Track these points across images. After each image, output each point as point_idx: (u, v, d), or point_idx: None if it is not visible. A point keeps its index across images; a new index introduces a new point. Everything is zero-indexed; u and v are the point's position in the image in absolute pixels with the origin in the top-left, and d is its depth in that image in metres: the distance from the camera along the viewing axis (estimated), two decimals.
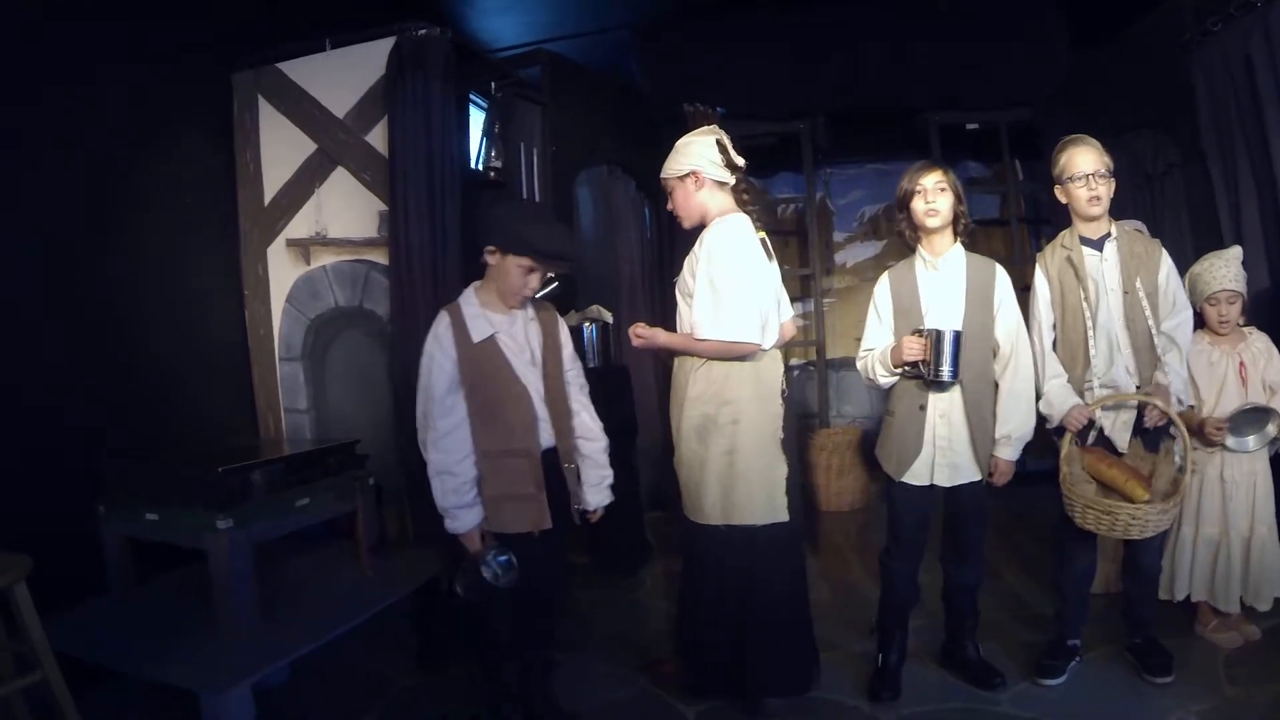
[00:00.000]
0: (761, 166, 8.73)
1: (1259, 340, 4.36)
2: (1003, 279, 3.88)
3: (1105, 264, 3.87)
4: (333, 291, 5.09)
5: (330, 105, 5.05)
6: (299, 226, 5.14)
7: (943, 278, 3.87)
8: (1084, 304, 3.89)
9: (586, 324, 5.93)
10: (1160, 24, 5.82)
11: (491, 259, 3.45)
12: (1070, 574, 4.09)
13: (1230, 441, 4.21)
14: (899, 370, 3.83)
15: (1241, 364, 4.30)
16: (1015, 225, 8.50)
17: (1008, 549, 6.00)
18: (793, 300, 4.90)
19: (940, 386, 3.76)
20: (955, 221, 3.85)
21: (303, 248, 5.12)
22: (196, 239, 5.04)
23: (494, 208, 3.61)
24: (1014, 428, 3.82)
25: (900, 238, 4.05)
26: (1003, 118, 7.90)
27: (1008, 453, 3.83)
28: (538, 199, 6.17)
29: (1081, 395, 3.90)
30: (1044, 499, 4.20)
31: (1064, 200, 3.93)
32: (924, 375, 3.73)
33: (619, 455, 5.91)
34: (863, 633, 4.51)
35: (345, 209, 5.04)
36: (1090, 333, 3.88)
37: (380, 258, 4.98)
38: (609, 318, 6.08)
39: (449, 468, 3.36)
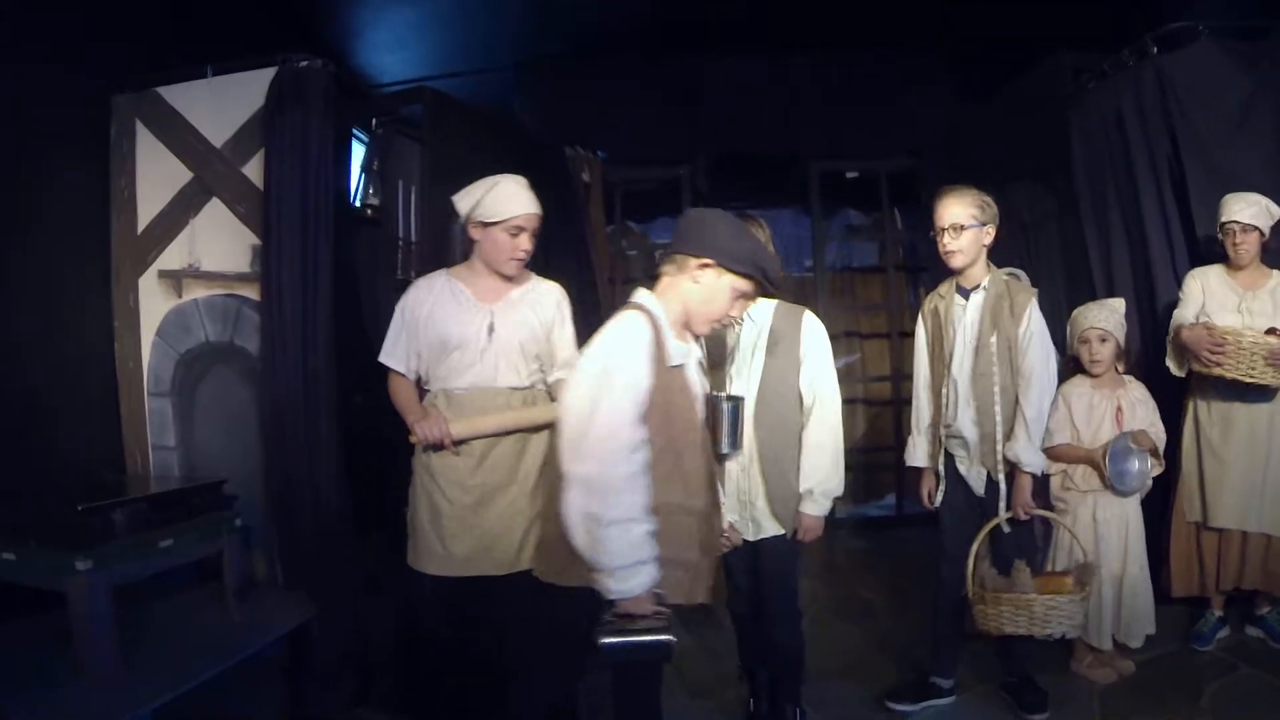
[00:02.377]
0: (642, 212, 8.82)
1: (1137, 389, 4.59)
2: (810, 327, 3.82)
3: (968, 314, 3.99)
4: (204, 326, 4.95)
5: (209, 134, 4.94)
6: (172, 257, 4.99)
7: (750, 329, 3.83)
8: (944, 353, 4.01)
9: None
10: (1040, 79, 6.11)
11: (699, 273, 2.99)
12: (941, 608, 4.19)
13: (1109, 472, 4.35)
14: None
15: (1119, 408, 4.47)
16: (892, 273, 8.71)
17: (883, 590, 6.10)
18: None
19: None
20: None
21: (175, 280, 4.98)
22: (68, 266, 4.87)
23: (713, 220, 3.04)
24: (817, 482, 3.75)
25: None
26: (883, 166, 8.12)
27: (811, 508, 3.76)
28: (414, 238, 6.12)
29: (940, 442, 4.02)
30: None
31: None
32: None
33: None
34: (733, 679, 4.56)
35: (219, 241, 4.92)
36: (945, 381, 4.00)
37: (252, 293, 4.86)
38: None
39: (634, 514, 2.72)
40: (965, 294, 4.08)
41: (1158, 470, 4.51)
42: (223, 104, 4.92)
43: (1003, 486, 4.03)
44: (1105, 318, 4.54)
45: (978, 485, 4.13)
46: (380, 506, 5.67)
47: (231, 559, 4.19)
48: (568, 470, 2.73)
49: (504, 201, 3.78)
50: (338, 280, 4.82)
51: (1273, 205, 4.63)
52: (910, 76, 7.89)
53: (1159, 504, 4.83)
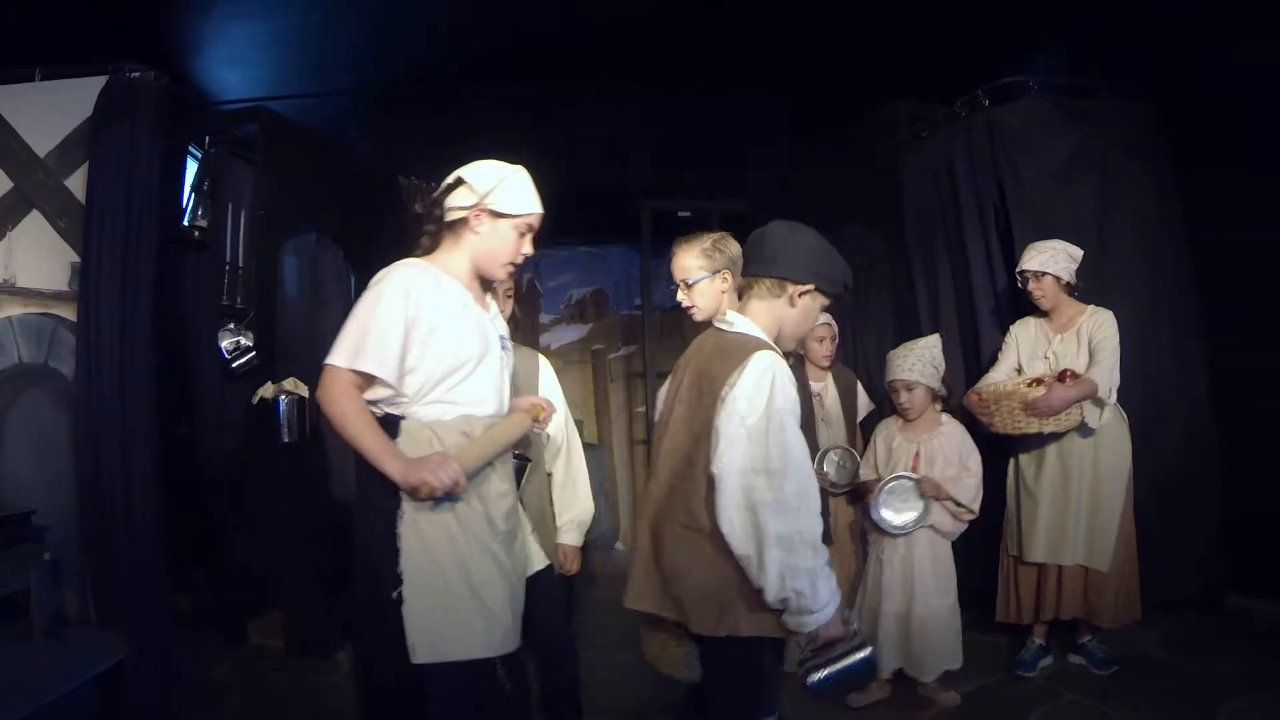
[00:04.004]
0: None
1: (952, 433, 4.69)
2: (546, 370, 3.92)
3: None
4: (17, 346, 4.65)
5: (33, 142, 4.68)
6: None
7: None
8: None
9: (283, 397, 5.70)
10: (877, 127, 6.34)
11: (799, 300, 2.96)
12: None
13: (874, 514, 4.48)
14: None
15: (917, 454, 4.60)
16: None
17: None
18: None
19: None
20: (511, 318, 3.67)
21: None
22: None
23: (805, 240, 3.02)
24: (575, 514, 3.92)
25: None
26: (715, 207, 8.25)
27: (571, 538, 3.90)
28: (241, 263, 5.92)
29: None
30: None
31: None
32: None
33: (317, 536, 5.76)
34: None
35: (37, 257, 4.67)
36: None
37: (70, 313, 4.62)
38: (305, 391, 5.88)
39: (825, 553, 2.71)
40: None
41: (967, 516, 4.55)
42: (49, 111, 4.68)
43: None
44: (910, 367, 4.63)
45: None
46: (199, 541, 5.45)
47: (39, 595, 3.94)
48: (768, 528, 2.62)
49: (526, 194, 3.09)
50: (160, 303, 4.65)
51: (1071, 249, 4.79)
52: (748, 118, 8.08)
53: (987, 539, 5.05)
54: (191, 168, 5.52)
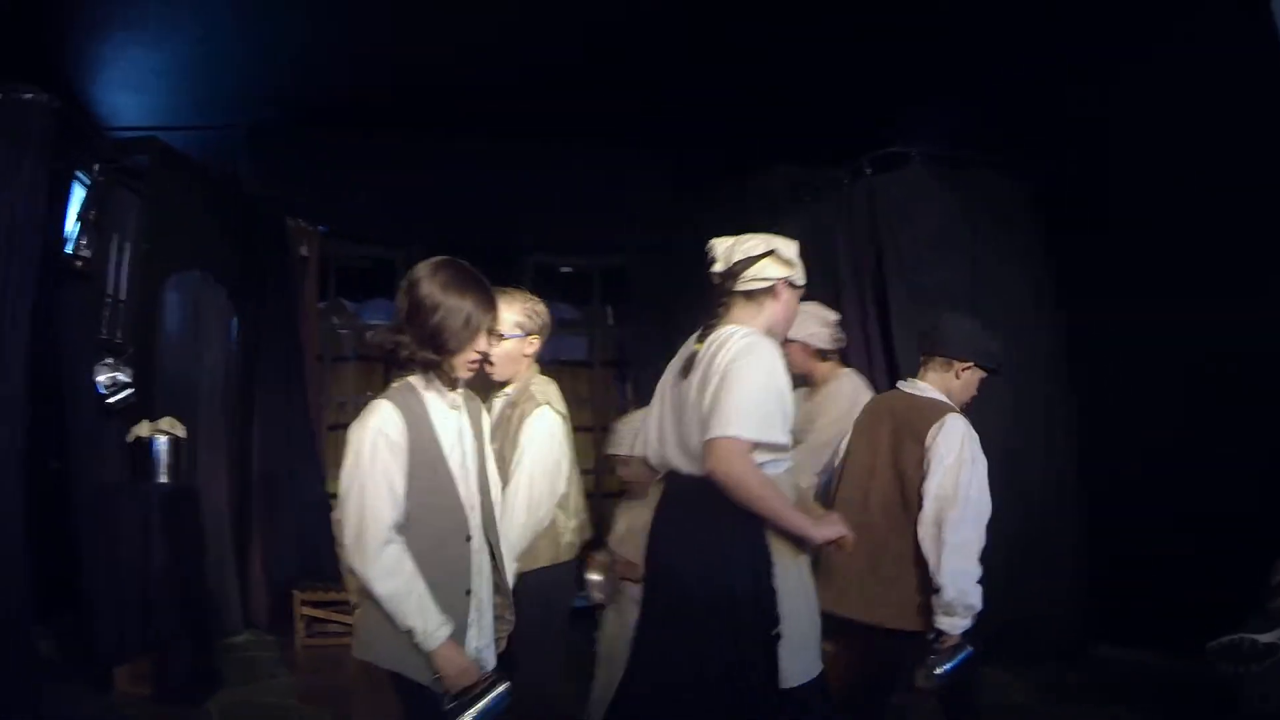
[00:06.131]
0: (357, 291, 8.74)
1: None
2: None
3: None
4: None
5: None
6: None
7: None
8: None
9: (158, 435, 5.60)
10: (759, 188, 6.46)
11: (963, 373, 3.77)
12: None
13: None
14: None
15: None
16: (599, 368, 8.90)
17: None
18: None
19: None
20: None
21: None
22: None
23: (962, 321, 3.95)
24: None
25: None
26: (597, 262, 8.27)
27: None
28: (123, 296, 5.75)
29: None
30: None
31: None
32: None
33: (190, 581, 5.57)
34: None
35: None
36: None
37: None
38: (181, 431, 5.73)
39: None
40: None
41: None
42: None
43: None
44: (622, 440, 4.33)
45: None
46: (66, 582, 5.21)
47: None
48: (947, 541, 3.43)
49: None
50: (37, 333, 4.48)
51: (824, 313, 4.73)
52: (631, 175, 8.14)
53: None
54: (78, 195, 5.36)
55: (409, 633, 2.56)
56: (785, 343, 4.41)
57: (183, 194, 5.66)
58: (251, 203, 6.94)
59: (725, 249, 3.30)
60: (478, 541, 2.83)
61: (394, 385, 2.80)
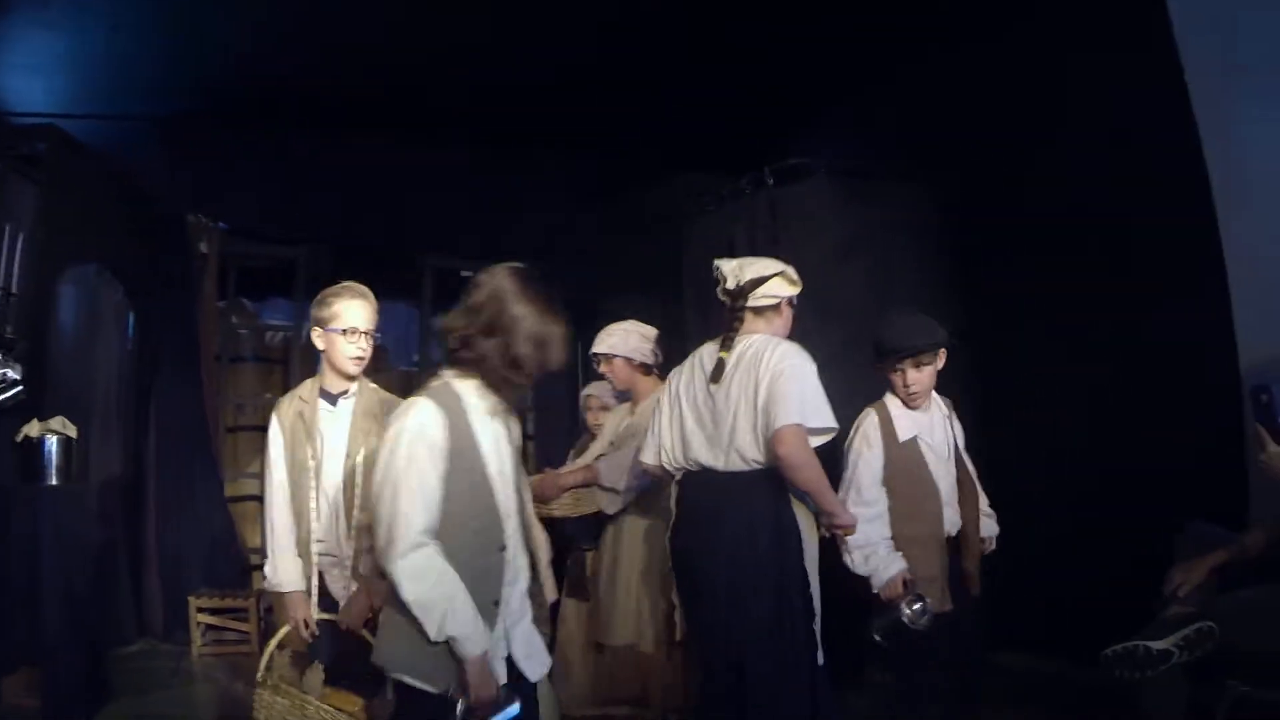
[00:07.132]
0: (256, 290, 8.59)
1: None
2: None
3: (337, 422, 3.75)
4: None
5: None
6: None
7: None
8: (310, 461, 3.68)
9: (48, 435, 5.36)
10: (662, 196, 6.46)
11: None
12: None
13: None
14: None
15: None
16: None
17: None
18: None
19: None
20: None
21: None
22: None
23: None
24: None
25: None
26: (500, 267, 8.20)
27: None
28: (14, 289, 5.53)
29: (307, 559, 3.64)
30: None
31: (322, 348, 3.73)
32: None
33: (80, 586, 5.37)
34: None
35: None
36: (313, 492, 3.66)
37: None
38: (73, 431, 5.53)
39: None
40: (330, 399, 3.77)
41: None
42: None
43: None
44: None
45: None
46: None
47: None
48: None
49: None
50: None
51: (644, 329, 4.75)
52: (533, 178, 8.13)
53: None
54: None
55: (444, 640, 2.47)
56: (609, 358, 4.71)
57: (81, 185, 5.48)
58: (152, 197, 6.76)
59: (733, 269, 3.73)
60: (512, 552, 2.73)
61: (433, 383, 2.72)
